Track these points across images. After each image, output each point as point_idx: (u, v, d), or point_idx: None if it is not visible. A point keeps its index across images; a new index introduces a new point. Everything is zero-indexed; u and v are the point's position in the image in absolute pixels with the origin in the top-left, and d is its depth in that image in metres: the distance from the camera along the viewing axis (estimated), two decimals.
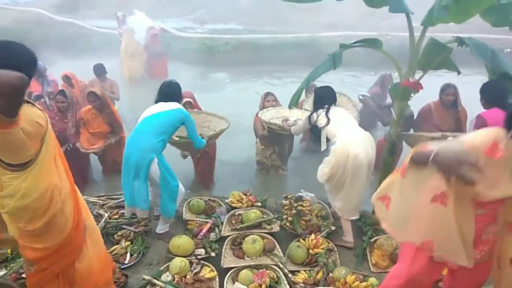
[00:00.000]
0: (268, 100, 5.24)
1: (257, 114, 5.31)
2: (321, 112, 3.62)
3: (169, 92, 3.66)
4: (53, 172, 2.10)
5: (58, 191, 2.10)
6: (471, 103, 3.60)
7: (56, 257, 2.22)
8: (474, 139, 1.85)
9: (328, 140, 3.59)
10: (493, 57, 3.25)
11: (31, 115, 1.97)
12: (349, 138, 3.40)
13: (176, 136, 4.01)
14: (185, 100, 5.02)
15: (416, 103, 4.40)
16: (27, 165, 1.98)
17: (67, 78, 6.30)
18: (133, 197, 3.44)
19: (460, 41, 3.31)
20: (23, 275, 2.85)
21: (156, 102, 3.64)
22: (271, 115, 4.89)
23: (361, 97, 5.48)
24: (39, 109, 2.08)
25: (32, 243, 2.13)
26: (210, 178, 5.34)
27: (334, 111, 3.62)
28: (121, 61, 8.75)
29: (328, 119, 3.54)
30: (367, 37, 3.79)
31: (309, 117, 3.72)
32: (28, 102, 2.04)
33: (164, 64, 9.26)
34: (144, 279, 2.99)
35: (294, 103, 4.12)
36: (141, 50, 8.87)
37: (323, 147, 3.63)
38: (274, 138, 5.20)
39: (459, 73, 3.37)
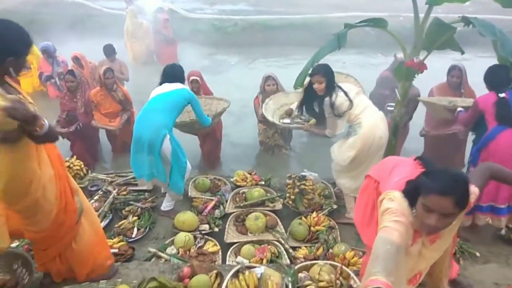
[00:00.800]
0: (268, 84, 5.15)
1: (257, 96, 5.34)
2: (341, 95, 3.44)
3: (173, 74, 3.76)
4: (33, 160, 2.10)
5: (37, 177, 2.12)
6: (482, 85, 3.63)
7: (52, 240, 2.34)
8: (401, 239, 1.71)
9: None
10: (501, 36, 3.22)
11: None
12: (375, 121, 3.43)
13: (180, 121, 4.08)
14: (192, 78, 5.13)
15: (423, 83, 4.41)
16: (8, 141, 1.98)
17: (76, 59, 6.37)
18: (152, 171, 3.58)
19: (467, 21, 3.27)
20: None
21: (161, 83, 3.74)
22: (273, 110, 4.41)
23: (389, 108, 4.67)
24: (30, 102, 2.08)
25: (26, 226, 2.26)
26: (217, 159, 5.43)
27: (351, 92, 3.49)
28: (125, 42, 8.75)
29: (351, 102, 3.43)
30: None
31: (331, 105, 3.44)
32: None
33: (174, 51, 9.12)
34: (150, 252, 3.12)
35: (300, 83, 4.11)
36: (143, 31, 8.78)
37: (340, 130, 3.59)
38: (271, 124, 5.28)
39: (462, 53, 3.35)
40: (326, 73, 3.48)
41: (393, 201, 1.79)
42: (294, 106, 4.25)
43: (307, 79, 3.71)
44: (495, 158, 3.07)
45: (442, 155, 4.50)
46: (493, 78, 3.36)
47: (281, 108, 4.43)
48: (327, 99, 3.44)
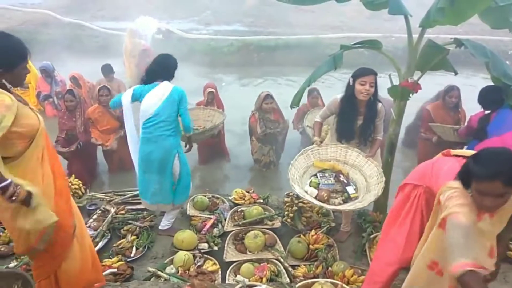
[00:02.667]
0: (267, 102, 5.33)
1: (252, 113, 5.47)
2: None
3: (166, 65, 3.52)
4: (38, 175, 2.11)
5: (40, 191, 2.08)
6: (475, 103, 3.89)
7: (46, 256, 2.30)
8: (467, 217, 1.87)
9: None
10: (492, 57, 3.33)
11: (23, 115, 2.00)
12: None
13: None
14: (208, 90, 5.68)
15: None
16: (9, 160, 2.00)
17: (74, 79, 6.44)
18: (157, 195, 3.57)
19: (458, 43, 3.39)
20: None
21: (150, 79, 3.51)
22: (299, 180, 3.40)
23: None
24: (31, 108, 2.12)
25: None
26: (225, 150, 6.05)
27: None
28: (123, 61, 8.85)
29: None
30: (367, 39, 3.88)
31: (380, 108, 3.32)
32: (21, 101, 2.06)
33: None
34: (149, 271, 3.10)
35: (296, 103, 4.19)
36: (140, 51, 8.90)
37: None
38: (271, 139, 5.43)
39: (456, 73, 3.45)
40: (376, 74, 3.24)
41: (452, 188, 1.92)
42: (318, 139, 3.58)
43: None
44: None
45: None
46: (485, 98, 3.55)
47: (306, 172, 3.54)
48: (379, 104, 3.34)
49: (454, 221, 1.84)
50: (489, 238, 1.98)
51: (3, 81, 2.00)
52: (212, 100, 5.72)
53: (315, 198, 3.24)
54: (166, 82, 3.50)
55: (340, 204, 3.24)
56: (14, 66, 2.01)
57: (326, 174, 3.47)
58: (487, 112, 3.77)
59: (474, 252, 1.79)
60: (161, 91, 3.44)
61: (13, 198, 1.92)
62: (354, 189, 3.36)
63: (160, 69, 3.52)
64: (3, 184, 1.88)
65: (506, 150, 1.81)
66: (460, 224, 1.82)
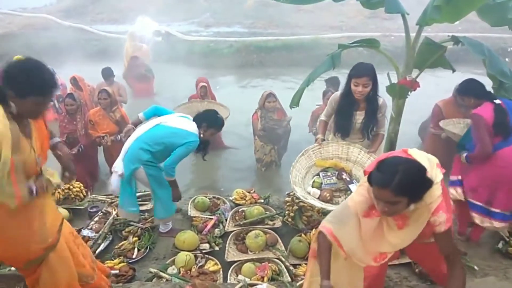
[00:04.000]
0: (269, 101, 5.38)
1: (255, 111, 5.50)
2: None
3: (204, 117, 3.52)
4: None
5: None
6: None
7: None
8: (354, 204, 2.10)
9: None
10: (489, 54, 3.34)
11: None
12: None
13: None
14: (201, 84, 5.77)
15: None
16: None
17: (75, 81, 6.47)
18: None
19: (456, 40, 3.40)
20: None
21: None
22: (301, 181, 3.40)
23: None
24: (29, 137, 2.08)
25: None
26: (221, 144, 6.30)
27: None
28: (124, 64, 8.87)
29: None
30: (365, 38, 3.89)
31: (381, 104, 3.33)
32: None
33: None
34: (151, 272, 3.12)
35: (295, 103, 4.21)
36: (142, 54, 8.90)
37: None
38: (271, 136, 5.43)
39: (454, 70, 3.46)
40: (374, 74, 3.21)
41: (365, 181, 2.02)
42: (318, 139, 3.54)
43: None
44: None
45: (441, 155, 4.54)
46: (475, 87, 3.24)
47: (309, 172, 3.52)
48: (381, 98, 3.32)
49: (346, 201, 2.16)
50: (382, 246, 2.07)
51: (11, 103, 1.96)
52: (205, 94, 5.88)
53: (318, 198, 3.22)
54: (193, 124, 3.46)
55: None
56: (23, 95, 1.95)
57: (329, 173, 3.45)
58: (497, 101, 3.08)
59: (341, 228, 2.07)
60: (183, 122, 3.43)
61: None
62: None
63: (199, 119, 3.51)
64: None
65: (406, 162, 1.88)
66: (346, 202, 2.14)
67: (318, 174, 3.47)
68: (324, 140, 3.55)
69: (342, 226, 2.07)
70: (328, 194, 3.24)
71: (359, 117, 3.36)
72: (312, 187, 3.36)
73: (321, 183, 3.37)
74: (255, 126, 5.52)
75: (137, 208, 3.64)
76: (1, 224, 2.06)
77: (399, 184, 1.77)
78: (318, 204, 3.14)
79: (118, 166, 3.48)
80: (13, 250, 2.14)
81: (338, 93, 3.46)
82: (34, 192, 2.03)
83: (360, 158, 3.44)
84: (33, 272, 2.29)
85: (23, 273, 2.38)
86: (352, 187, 3.30)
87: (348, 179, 3.37)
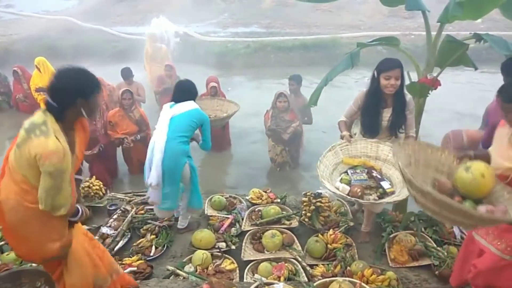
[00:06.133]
0: (280, 100, 5.37)
1: (267, 110, 5.50)
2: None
3: (186, 89, 3.69)
4: None
5: None
6: None
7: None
8: None
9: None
10: None
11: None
12: None
13: None
14: (211, 84, 5.82)
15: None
16: None
17: None
18: (165, 202, 3.62)
19: (478, 37, 3.31)
20: None
21: (173, 101, 3.66)
22: (329, 176, 3.23)
23: None
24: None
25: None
26: (228, 141, 6.35)
27: None
28: (144, 65, 8.96)
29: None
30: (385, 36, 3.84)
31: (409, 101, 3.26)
32: None
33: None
34: (168, 270, 3.14)
35: (314, 101, 4.17)
36: (162, 55, 8.94)
37: None
38: (278, 137, 5.43)
39: (476, 68, 3.37)
40: (403, 68, 3.10)
41: None
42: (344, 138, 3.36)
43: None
44: None
45: None
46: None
47: (336, 168, 3.37)
48: (408, 95, 3.23)
49: None
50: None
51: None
52: (215, 94, 5.89)
53: (348, 195, 3.06)
54: (190, 102, 3.63)
55: (375, 200, 3.08)
56: (90, 95, 2.16)
57: (358, 171, 3.27)
58: None
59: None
60: (181, 106, 3.59)
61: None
62: (390, 184, 3.14)
63: (182, 94, 3.67)
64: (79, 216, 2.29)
65: None
66: None
67: (346, 172, 3.30)
68: (351, 137, 3.39)
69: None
70: (359, 190, 3.03)
71: (386, 114, 3.24)
72: (341, 183, 3.18)
73: (350, 180, 3.19)
74: (266, 125, 5.52)
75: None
76: (23, 221, 2.14)
77: None
78: (349, 198, 3.00)
79: (152, 178, 3.48)
80: (29, 248, 2.24)
81: (364, 91, 3.34)
82: (80, 212, 2.28)
83: (391, 157, 3.22)
84: (55, 267, 2.37)
85: (46, 268, 2.45)
86: (384, 184, 3.12)
87: (379, 176, 3.19)
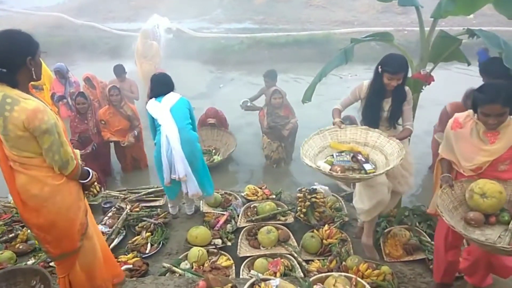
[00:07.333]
0: (275, 97, 5.39)
1: (261, 108, 5.51)
2: None
3: (166, 82, 3.79)
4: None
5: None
6: None
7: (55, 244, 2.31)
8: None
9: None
10: (506, 47, 3.25)
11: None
12: None
13: None
14: (210, 121, 5.88)
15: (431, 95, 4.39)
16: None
17: (88, 80, 6.52)
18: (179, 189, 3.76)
19: (471, 33, 3.32)
20: (51, 264, 3.06)
21: (156, 95, 3.70)
22: (313, 157, 3.13)
23: None
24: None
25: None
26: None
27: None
28: (135, 62, 8.92)
29: None
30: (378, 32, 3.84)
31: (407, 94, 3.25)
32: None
33: None
34: (164, 267, 3.14)
35: (307, 97, 4.16)
36: (153, 51, 8.90)
37: None
38: (277, 133, 5.44)
39: (469, 64, 3.39)
40: (408, 67, 3.14)
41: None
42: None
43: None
44: None
45: None
46: (492, 68, 3.19)
47: (323, 151, 3.25)
48: (407, 88, 3.23)
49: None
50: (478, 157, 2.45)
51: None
52: (214, 126, 6.09)
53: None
54: (173, 93, 3.75)
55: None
56: (35, 52, 2.11)
57: (343, 154, 3.16)
58: None
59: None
60: (169, 98, 3.69)
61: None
62: (373, 167, 3.04)
63: (164, 87, 3.77)
64: (91, 178, 2.42)
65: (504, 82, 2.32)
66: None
67: (331, 155, 3.19)
68: (343, 123, 3.33)
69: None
70: (339, 169, 2.92)
71: (386, 105, 3.24)
72: (324, 163, 3.06)
73: (333, 162, 3.09)
74: (262, 123, 5.52)
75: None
76: (54, 202, 2.18)
77: (506, 96, 2.21)
78: (326, 172, 2.86)
79: (180, 170, 3.56)
80: (67, 227, 2.25)
81: (364, 83, 3.31)
82: (91, 174, 2.41)
83: (379, 143, 3.17)
84: (69, 268, 2.35)
85: (56, 265, 2.42)
86: (366, 166, 3.02)
87: (363, 159, 3.09)
